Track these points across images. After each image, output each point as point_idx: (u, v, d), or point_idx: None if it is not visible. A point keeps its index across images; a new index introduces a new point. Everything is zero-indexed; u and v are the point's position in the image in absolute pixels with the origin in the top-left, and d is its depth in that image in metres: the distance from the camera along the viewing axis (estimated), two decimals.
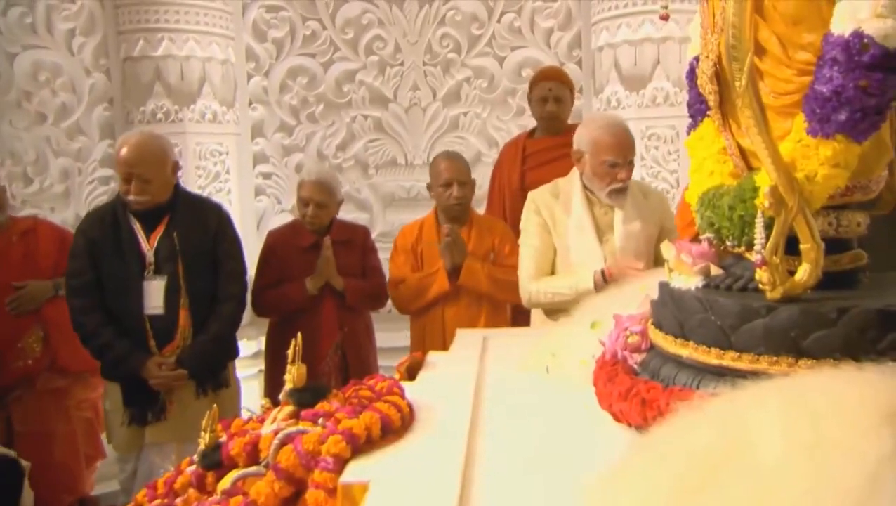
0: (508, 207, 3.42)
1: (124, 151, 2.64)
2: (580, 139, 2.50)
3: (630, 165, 2.47)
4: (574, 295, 2.43)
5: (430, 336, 2.98)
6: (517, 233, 3.11)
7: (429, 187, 3.13)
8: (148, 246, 2.66)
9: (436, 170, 3.05)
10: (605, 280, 2.38)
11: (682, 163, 4.06)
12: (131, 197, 2.63)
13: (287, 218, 4.57)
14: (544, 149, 3.41)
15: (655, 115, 4.08)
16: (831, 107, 1.18)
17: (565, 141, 3.39)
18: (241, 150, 4.53)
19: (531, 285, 2.56)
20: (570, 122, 3.75)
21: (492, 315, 3.01)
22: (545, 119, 3.44)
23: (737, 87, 1.26)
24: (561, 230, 2.54)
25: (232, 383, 2.93)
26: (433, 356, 2.13)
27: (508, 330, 2.97)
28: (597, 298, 2.07)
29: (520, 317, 3.24)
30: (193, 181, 4.18)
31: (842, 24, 1.18)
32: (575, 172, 2.59)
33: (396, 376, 1.90)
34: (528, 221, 2.61)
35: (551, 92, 3.38)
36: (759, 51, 1.33)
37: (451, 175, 2.98)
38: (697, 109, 1.60)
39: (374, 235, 3.60)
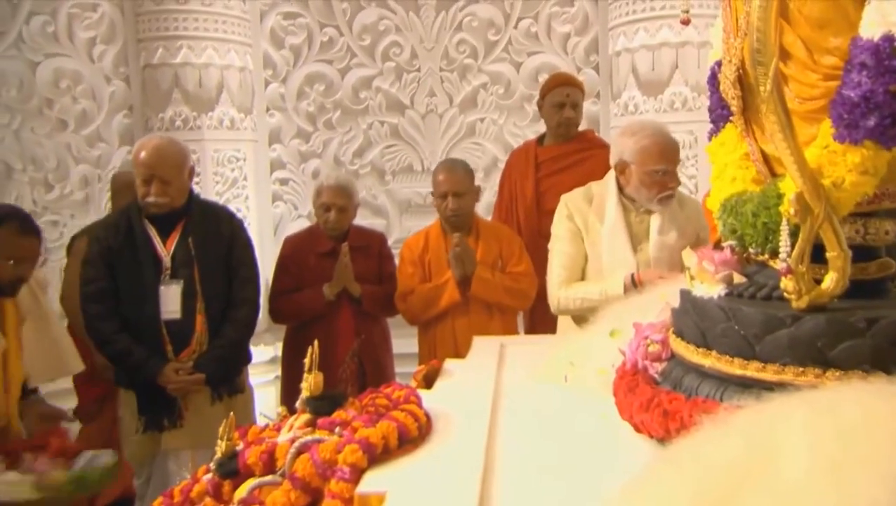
0: (522, 215, 3.38)
1: (144, 153, 2.66)
2: (623, 150, 2.43)
3: (675, 173, 2.42)
4: (604, 301, 2.36)
5: (441, 347, 2.94)
6: (534, 240, 3.09)
7: (432, 195, 3.11)
8: (164, 250, 2.66)
9: (434, 181, 3.03)
10: (634, 286, 2.34)
11: (701, 168, 4.02)
12: (151, 199, 2.64)
13: (304, 224, 4.59)
14: (557, 156, 3.38)
15: (673, 120, 4.03)
16: (860, 112, 1.16)
17: (578, 147, 3.37)
18: (258, 156, 4.55)
19: (560, 291, 2.51)
20: (580, 128, 3.73)
21: (502, 324, 2.98)
22: (562, 125, 3.40)
23: (761, 93, 1.23)
24: (594, 237, 2.49)
25: (246, 389, 2.93)
26: (450, 364, 2.11)
27: (526, 337, 2.95)
28: (615, 305, 2.04)
29: (537, 325, 3.21)
30: (211, 187, 4.21)
31: (871, 28, 1.16)
32: (609, 177, 2.53)
33: (413, 384, 1.88)
34: (560, 225, 2.56)
35: (569, 98, 3.35)
36: (784, 55, 1.30)
37: (447, 187, 2.95)
38: (719, 115, 1.57)
39: (390, 242, 3.59)
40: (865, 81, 1.14)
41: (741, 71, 1.39)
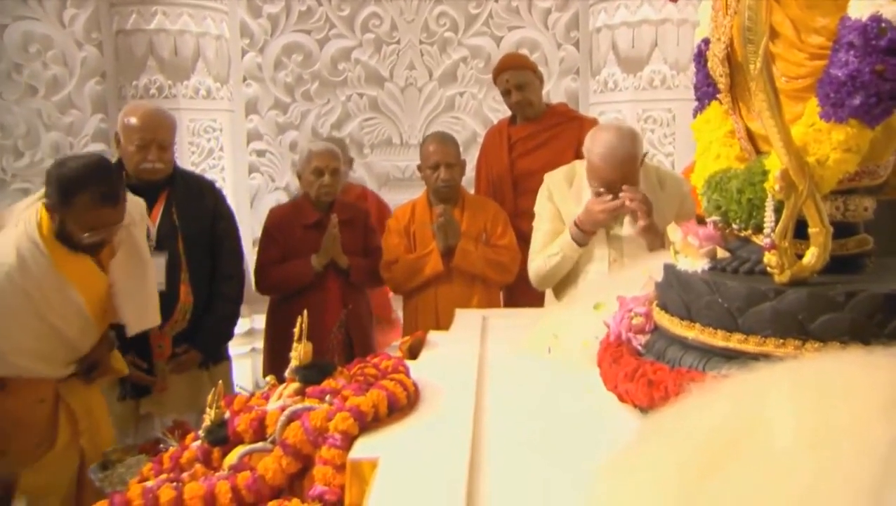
0: (499, 195, 3.37)
1: (138, 119, 2.60)
2: (585, 144, 2.44)
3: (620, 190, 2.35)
4: (562, 253, 2.46)
5: (423, 316, 2.99)
6: (511, 220, 3.11)
7: (419, 168, 3.12)
8: (150, 221, 2.63)
9: (425, 152, 3.05)
10: (578, 229, 2.40)
11: (678, 146, 4.07)
12: (149, 165, 2.59)
13: (281, 196, 4.56)
14: (529, 135, 3.36)
15: (652, 97, 4.08)
16: (846, 91, 1.18)
17: (548, 124, 3.36)
18: (234, 127, 4.49)
19: (535, 260, 2.59)
20: (556, 101, 3.72)
21: (484, 295, 3.02)
22: (515, 109, 3.39)
23: (751, 71, 1.25)
24: (570, 218, 2.50)
25: (226, 358, 2.94)
26: (434, 336, 2.13)
27: (508, 310, 2.98)
28: (599, 279, 2.08)
29: (516, 299, 3.25)
30: (187, 158, 4.14)
31: (859, 8, 1.18)
32: None
33: (398, 355, 1.90)
34: (542, 206, 2.61)
35: (509, 83, 3.30)
36: (773, 34, 1.32)
37: (439, 158, 2.98)
38: (705, 92, 1.60)
39: None
40: (852, 61, 1.17)
41: (730, 49, 1.41)
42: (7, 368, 2.00)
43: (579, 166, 2.58)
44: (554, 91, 4.56)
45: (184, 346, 2.63)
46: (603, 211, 2.33)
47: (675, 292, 1.44)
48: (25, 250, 2.00)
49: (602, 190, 2.37)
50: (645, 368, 1.37)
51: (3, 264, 1.97)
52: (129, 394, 2.64)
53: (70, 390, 2.19)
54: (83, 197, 2.01)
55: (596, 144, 2.38)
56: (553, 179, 2.61)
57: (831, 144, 1.22)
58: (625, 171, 2.35)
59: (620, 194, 2.31)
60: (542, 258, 2.55)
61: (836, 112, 1.21)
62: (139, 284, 2.29)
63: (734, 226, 1.44)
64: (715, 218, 1.48)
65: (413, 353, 1.96)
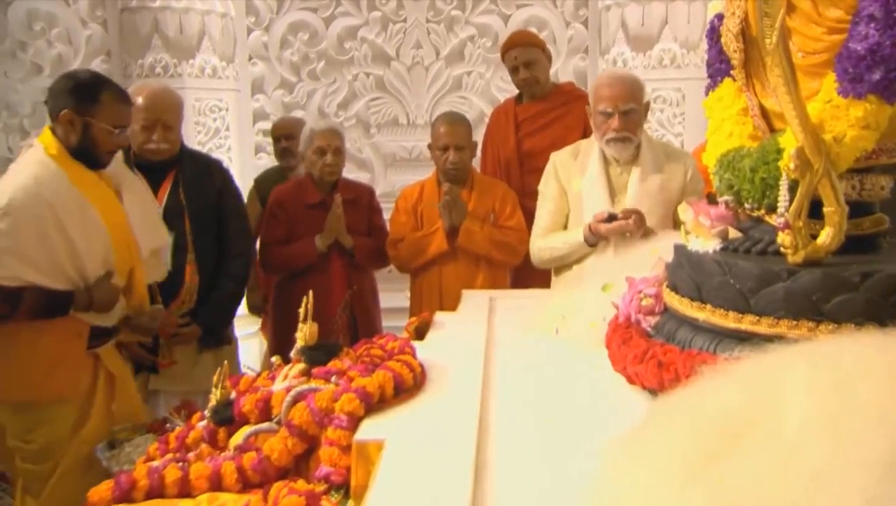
0: (506, 175, 3.35)
1: (143, 99, 2.58)
2: (589, 89, 2.48)
3: (625, 114, 2.36)
4: (568, 249, 2.48)
5: (427, 295, 2.99)
6: (519, 200, 3.10)
7: (430, 147, 3.10)
8: (156, 201, 2.61)
9: (435, 133, 3.03)
10: (591, 233, 2.40)
11: (688, 126, 4.02)
12: (153, 145, 2.58)
13: None
14: (535, 115, 3.34)
15: (662, 77, 4.02)
16: (865, 66, 1.15)
17: (555, 103, 3.34)
18: (241, 106, 4.46)
19: (537, 242, 2.61)
20: (564, 81, 3.67)
21: (489, 276, 3.01)
22: (522, 87, 3.36)
23: (766, 45, 1.22)
24: (575, 190, 2.52)
25: (232, 340, 2.93)
26: (441, 317, 2.12)
27: (514, 291, 2.97)
28: (607, 260, 2.06)
29: (520, 279, 3.24)
30: (193, 137, 4.12)
31: None
32: None
33: (405, 336, 1.89)
34: (547, 184, 2.62)
35: (517, 60, 3.27)
36: (789, 8, 1.29)
37: (449, 140, 2.96)
38: (717, 69, 1.57)
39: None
40: (873, 34, 1.14)
41: (745, 23, 1.38)
42: (9, 275, 1.97)
43: (585, 144, 2.58)
44: (562, 70, 4.50)
45: (186, 318, 2.62)
46: (608, 231, 2.33)
47: (686, 273, 1.42)
48: (39, 170, 2.04)
49: (609, 112, 2.35)
50: (655, 350, 1.35)
51: (23, 185, 1.99)
52: (143, 369, 2.63)
53: (109, 355, 2.20)
54: (108, 93, 2.11)
55: (600, 75, 2.48)
56: (559, 157, 2.62)
57: (849, 120, 1.19)
58: (632, 90, 2.40)
59: (619, 216, 2.31)
60: (545, 246, 2.56)
61: (855, 87, 1.18)
62: (146, 207, 2.37)
63: (747, 205, 1.41)
64: (727, 197, 1.46)
65: (420, 333, 1.95)
